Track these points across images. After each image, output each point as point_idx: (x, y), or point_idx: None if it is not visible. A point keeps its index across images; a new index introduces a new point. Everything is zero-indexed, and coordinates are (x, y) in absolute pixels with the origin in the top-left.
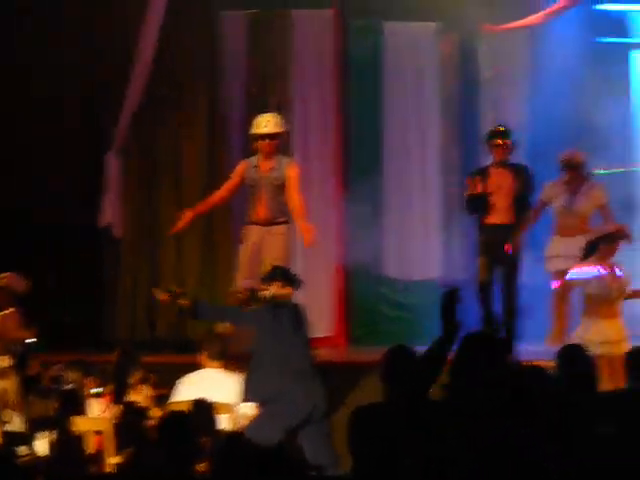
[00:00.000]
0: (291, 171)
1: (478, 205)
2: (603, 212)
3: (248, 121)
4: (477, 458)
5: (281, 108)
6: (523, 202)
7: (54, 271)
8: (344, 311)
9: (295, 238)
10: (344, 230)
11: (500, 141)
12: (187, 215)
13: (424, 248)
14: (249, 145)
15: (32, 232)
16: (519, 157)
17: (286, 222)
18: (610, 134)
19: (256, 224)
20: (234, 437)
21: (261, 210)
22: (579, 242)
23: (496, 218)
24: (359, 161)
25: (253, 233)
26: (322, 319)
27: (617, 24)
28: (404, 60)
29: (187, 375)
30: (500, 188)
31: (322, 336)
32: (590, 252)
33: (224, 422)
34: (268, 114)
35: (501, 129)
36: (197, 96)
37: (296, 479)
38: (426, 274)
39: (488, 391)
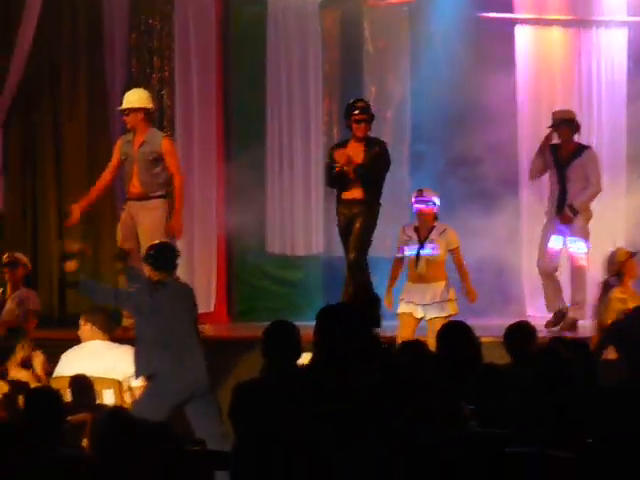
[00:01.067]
0: (165, 145)
1: (339, 178)
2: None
3: None
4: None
5: (163, 83)
6: (371, 177)
7: None
8: (226, 287)
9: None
10: (226, 204)
11: (362, 116)
12: (75, 211)
13: (307, 223)
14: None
15: None
16: (401, 133)
17: (162, 196)
18: (495, 111)
19: (131, 199)
20: (115, 413)
21: (135, 185)
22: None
23: (350, 194)
24: (241, 134)
25: (128, 209)
26: (204, 294)
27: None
28: (287, 33)
29: (72, 348)
30: (349, 161)
31: (204, 312)
32: None
33: (108, 397)
34: (132, 90)
35: (361, 104)
36: (77, 72)
37: (177, 454)
38: (309, 249)
39: (353, 365)
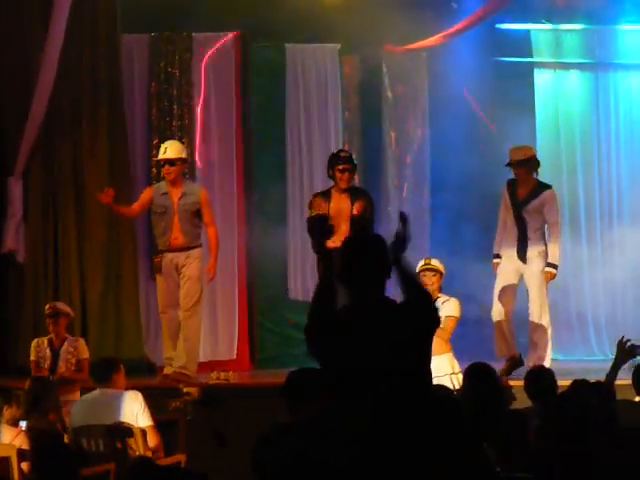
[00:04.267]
0: (204, 197)
1: (320, 228)
2: None
3: (150, 144)
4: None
5: (183, 131)
6: (362, 227)
7: None
8: (248, 334)
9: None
10: (247, 252)
11: (346, 166)
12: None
13: None
14: (151, 170)
15: None
16: (422, 179)
17: (200, 245)
18: None
19: (171, 251)
20: (143, 462)
21: (177, 236)
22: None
23: (336, 242)
24: (263, 186)
25: (169, 260)
26: (227, 342)
27: (519, 43)
28: (307, 80)
29: (80, 400)
30: (340, 212)
31: (227, 359)
32: None
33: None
34: (170, 140)
35: (344, 154)
36: (97, 119)
37: None
38: None
39: None
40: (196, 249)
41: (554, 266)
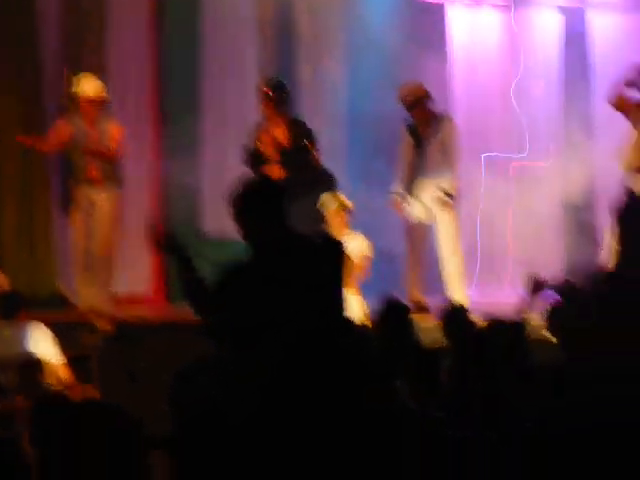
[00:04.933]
0: (114, 132)
1: (256, 159)
2: None
3: (62, 75)
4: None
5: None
6: (292, 156)
7: None
8: (162, 269)
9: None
10: (160, 188)
11: (267, 92)
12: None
13: None
14: (65, 102)
15: None
16: (338, 118)
17: (117, 180)
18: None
19: (87, 186)
20: (53, 397)
21: (92, 172)
22: None
23: (269, 172)
24: (176, 117)
25: (84, 195)
26: (141, 277)
27: None
28: (222, 12)
29: None
30: (271, 142)
31: (141, 295)
32: None
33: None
34: (88, 76)
35: (268, 82)
36: (7, 49)
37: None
38: None
39: None
40: (112, 185)
41: (450, 195)
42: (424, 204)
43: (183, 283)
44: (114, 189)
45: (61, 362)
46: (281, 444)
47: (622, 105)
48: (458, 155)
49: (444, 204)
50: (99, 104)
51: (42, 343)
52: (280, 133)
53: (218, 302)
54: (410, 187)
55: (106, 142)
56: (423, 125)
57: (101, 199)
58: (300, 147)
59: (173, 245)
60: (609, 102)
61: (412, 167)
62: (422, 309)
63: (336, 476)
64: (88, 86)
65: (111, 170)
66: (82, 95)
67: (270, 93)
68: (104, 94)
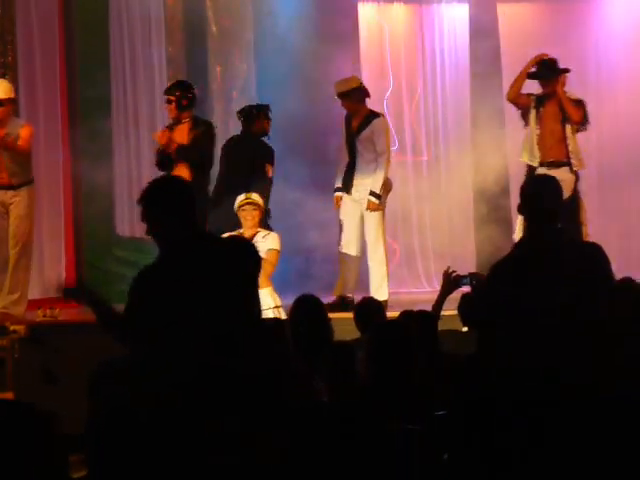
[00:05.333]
0: (24, 132)
1: (163, 160)
2: None
3: None
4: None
5: (7, 68)
6: (194, 157)
7: None
8: (75, 271)
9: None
10: (73, 189)
11: (168, 97)
12: None
13: None
14: None
15: None
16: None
17: (30, 182)
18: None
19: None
20: None
21: (2, 175)
22: None
23: (179, 173)
24: (88, 119)
25: None
26: (54, 279)
27: None
28: (130, 16)
29: None
30: (180, 143)
31: (54, 297)
32: None
33: None
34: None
35: (171, 84)
36: None
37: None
38: None
39: None
40: (24, 187)
41: (376, 195)
42: (355, 201)
43: (102, 325)
44: (26, 189)
45: None
46: (192, 443)
47: (516, 99)
48: (388, 153)
49: (369, 204)
50: (8, 106)
51: None
52: (180, 133)
53: (130, 309)
54: (346, 183)
55: (12, 141)
56: (355, 119)
57: (14, 201)
58: (200, 146)
59: (90, 299)
60: (507, 98)
61: (346, 163)
62: (346, 304)
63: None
64: (3, 87)
65: (21, 171)
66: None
67: (173, 95)
68: (11, 95)
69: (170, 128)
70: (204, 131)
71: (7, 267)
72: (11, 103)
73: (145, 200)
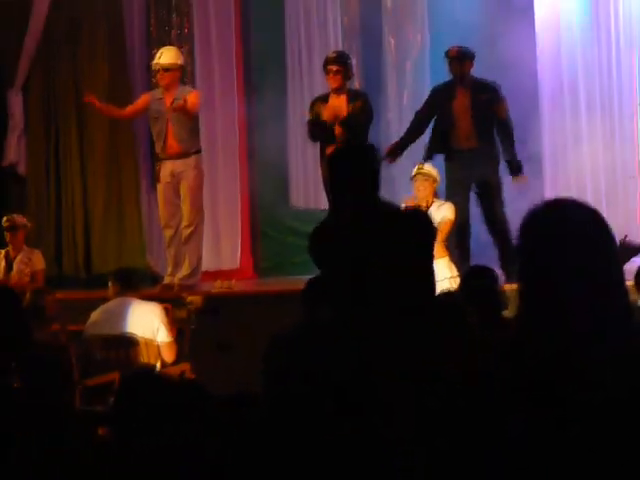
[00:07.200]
0: (191, 97)
1: (318, 132)
2: None
3: (149, 55)
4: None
5: (182, 40)
6: (356, 130)
7: None
8: (250, 243)
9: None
10: (249, 160)
11: (333, 67)
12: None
13: None
14: (151, 79)
15: None
16: (421, 84)
17: (198, 151)
18: (514, 58)
19: (168, 159)
20: (143, 371)
21: (172, 144)
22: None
23: (334, 147)
24: (262, 90)
25: (167, 169)
26: (230, 251)
27: None
28: None
29: (100, 307)
30: (336, 115)
31: (230, 268)
32: None
33: (137, 356)
34: (167, 47)
35: (333, 55)
36: (96, 31)
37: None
38: None
39: None
40: (193, 156)
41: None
42: None
43: None
44: (194, 158)
45: (167, 341)
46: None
47: None
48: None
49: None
50: (174, 72)
51: (153, 322)
52: (337, 104)
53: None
54: None
55: (180, 107)
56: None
57: (184, 171)
58: (363, 119)
59: None
60: None
61: None
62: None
63: None
64: (164, 56)
65: (189, 140)
66: (157, 64)
67: (336, 67)
68: (179, 62)
69: (323, 99)
70: (363, 104)
71: (180, 240)
72: (178, 70)
73: (336, 167)
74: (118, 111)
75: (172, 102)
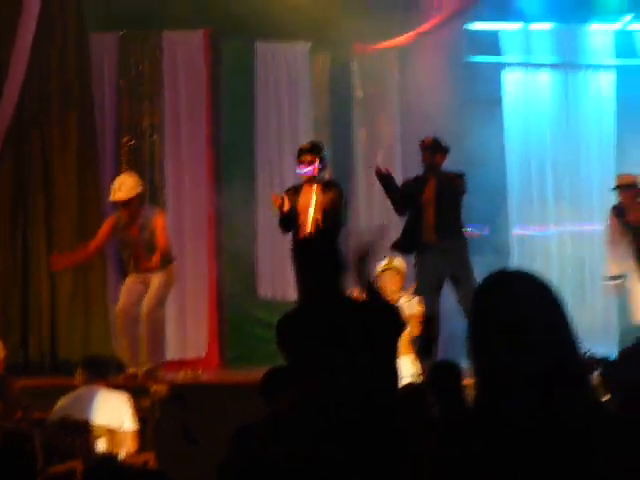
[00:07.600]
0: (157, 221)
1: (287, 223)
2: None
3: (118, 142)
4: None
5: (153, 129)
6: (332, 219)
7: None
8: (217, 332)
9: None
10: (217, 251)
11: (307, 157)
12: (58, 264)
13: None
14: (120, 166)
15: None
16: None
17: (172, 261)
18: (482, 155)
19: (141, 273)
20: (105, 460)
21: (144, 263)
22: None
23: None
24: (232, 180)
25: (140, 278)
26: (196, 340)
27: (489, 43)
28: (277, 78)
29: (67, 394)
30: (308, 206)
31: (196, 357)
32: None
33: (100, 445)
34: (122, 176)
35: (304, 146)
36: (67, 117)
37: None
38: None
39: None
40: (167, 266)
41: None
42: None
43: None
44: (169, 267)
45: (133, 430)
46: None
47: None
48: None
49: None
50: (134, 203)
51: (121, 410)
52: (308, 195)
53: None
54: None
55: (147, 234)
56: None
57: (156, 276)
58: (338, 209)
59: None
60: None
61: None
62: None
63: None
64: (122, 190)
65: (162, 257)
66: (115, 200)
67: (310, 156)
68: (138, 190)
69: (294, 190)
70: (340, 192)
71: (138, 328)
72: (138, 197)
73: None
74: (84, 252)
75: (139, 232)
